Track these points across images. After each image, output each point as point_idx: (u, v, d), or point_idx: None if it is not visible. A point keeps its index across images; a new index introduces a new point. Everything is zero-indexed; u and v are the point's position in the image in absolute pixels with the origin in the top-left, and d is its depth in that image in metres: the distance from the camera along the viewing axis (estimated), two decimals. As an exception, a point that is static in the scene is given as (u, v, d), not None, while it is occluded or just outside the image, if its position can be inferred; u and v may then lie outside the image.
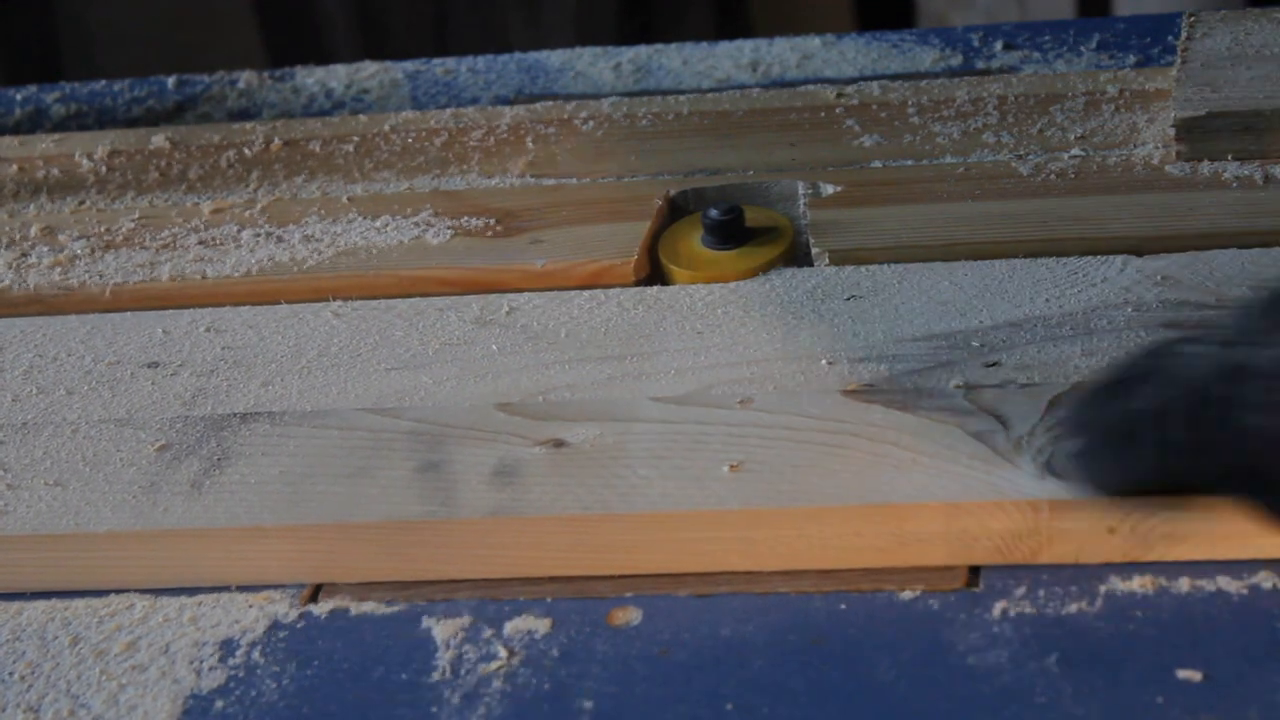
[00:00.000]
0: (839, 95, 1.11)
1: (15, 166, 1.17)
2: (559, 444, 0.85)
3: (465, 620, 0.80)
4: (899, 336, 0.90)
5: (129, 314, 1.01)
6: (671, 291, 0.96)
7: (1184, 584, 0.77)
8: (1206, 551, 0.78)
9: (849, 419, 0.84)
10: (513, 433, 0.86)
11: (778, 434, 0.84)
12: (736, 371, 0.89)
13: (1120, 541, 0.78)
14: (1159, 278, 0.91)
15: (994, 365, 0.86)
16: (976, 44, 1.19)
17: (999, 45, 1.19)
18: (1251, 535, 0.76)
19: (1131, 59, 1.15)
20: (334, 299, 1.00)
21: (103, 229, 1.08)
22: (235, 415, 0.90)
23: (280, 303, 1.00)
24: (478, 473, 0.84)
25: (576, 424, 0.86)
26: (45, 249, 1.07)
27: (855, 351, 0.89)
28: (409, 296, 0.99)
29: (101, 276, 1.04)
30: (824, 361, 0.88)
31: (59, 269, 1.05)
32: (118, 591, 0.84)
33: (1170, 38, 1.16)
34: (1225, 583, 0.76)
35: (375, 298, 0.99)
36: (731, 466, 0.82)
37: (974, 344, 0.88)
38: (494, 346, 0.93)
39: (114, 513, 0.85)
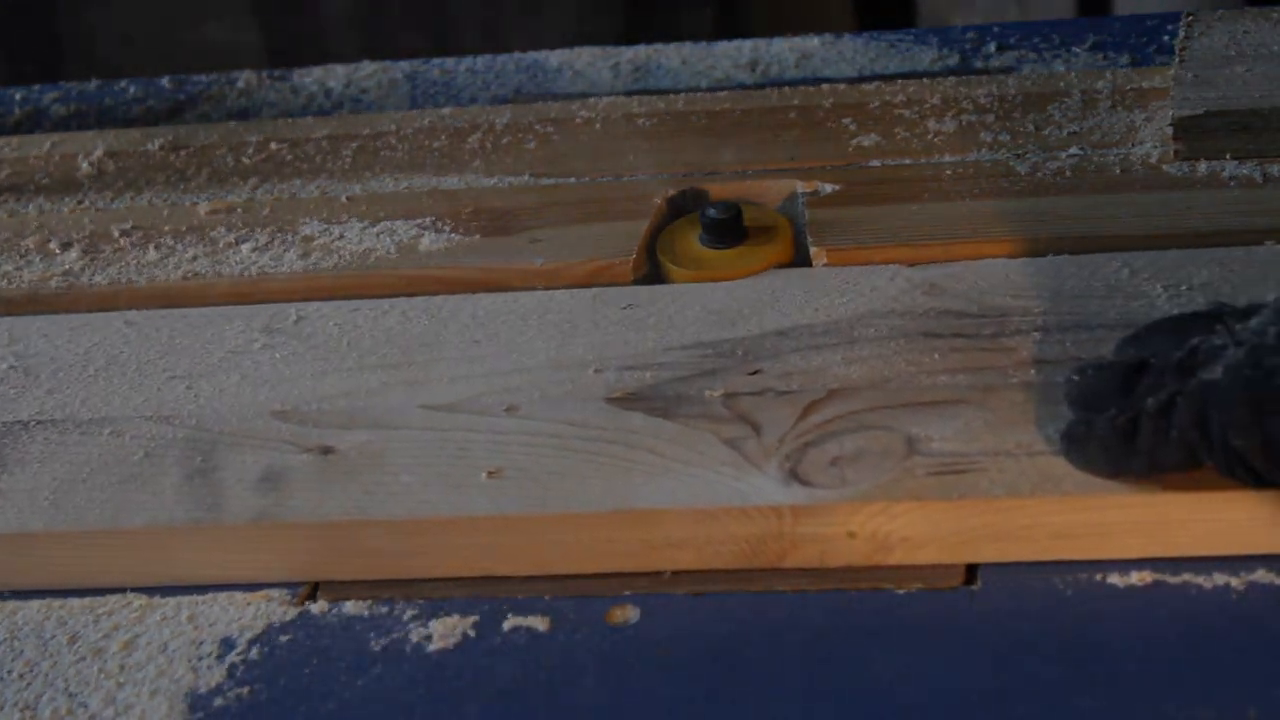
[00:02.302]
0: (837, 95, 1.11)
1: (14, 166, 1.17)
2: (327, 450, 0.87)
3: (463, 619, 0.80)
4: (668, 345, 0.91)
5: None
6: (455, 301, 0.98)
7: (1182, 579, 0.77)
8: (946, 556, 0.80)
9: (609, 426, 0.86)
10: (285, 440, 0.88)
11: (540, 441, 0.86)
12: (507, 380, 0.90)
13: (861, 545, 0.80)
14: (927, 286, 0.93)
15: (756, 373, 0.88)
16: (974, 44, 1.19)
17: (996, 45, 1.19)
18: (979, 542, 0.79)
19: (1129, 58, 1.15)
20: (333, 299, 1.00)
21: (102, 229, 1.08)
22: (18, 423, 0.92)
23: (279, 302, 1.00)
24: (245, 479, 0.86)
25: (346, 431, 0.88)
26: (44, 249, 1.07)
27: (624, 360, 0.90)
28: (408, 296, 0.99)
29: (100, 277, 1.04)
30: (593, 370, 0.90)
31: (56, 269, 1.05)
32: (114, 590, 0.85)
33: (1167, 37, 1.16)
34: (1222, 579, 0.76)
35: (374, 297, 0.99)
36: (490, 473, 0.84)
37: (739, 352, 0.90)
38: (277, 355, 0.95)
39: None
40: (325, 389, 0.92)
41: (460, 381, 0.91)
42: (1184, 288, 0.90)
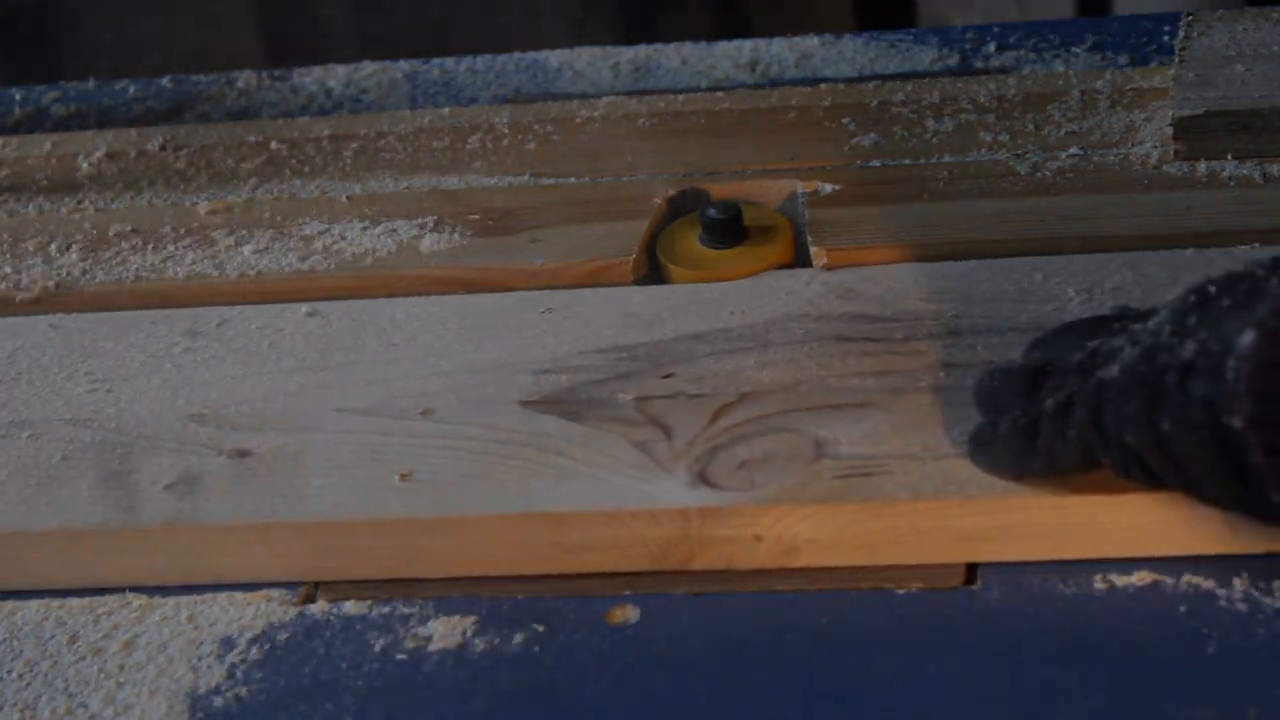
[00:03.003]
0: (837, 95, 1.11)
1: (14, 167, 1.17)
2: (243, 454, 0.88)
3: (463, 619, 0.80)
4: (584, 349, 0.92)
5: None
6: (375, 305, 0.98)
7: (1182, 581, 0.77)
8: (853, 558, 0.80)
9: (522, 429, 0.86)
10: (201, 443, 0.89)
11: (453, 444, 0.86)
12: (424, 383, 0.91)
13: (768, 548, 0.80)
14: (842, 290, 0.93)
15: (669, 377, 0.89)
16: (974, 44, 1.19)
17: (996, 45, 1.19)
18: (884, 544, 0.80)
19: (1128, 58, 1.15)
20: (332, 299, 1.00)
21: (102, 229, 1.08)
22: None
23: (280, 303, 1.00)
24: (161, 481, 0.87)
25: (262, 434, 0.89)
26: (43, 250, 1.07)
27: (541, 363, 0.91)
28: (408, 296, 0.99)
29: (99, 277, 1.04)
30: (509, 373, 0.91)
31: (56, 270, 1.05)
32: (113, 590, 0.85)
33: (1166, 37, 1.16)
34: (1222, 579, 0.76)
35: (374, 297, 0.99)
36: (402, 476, 0.84)
37: (654, 356, 0.90)
38: (198, 358, 0.96)
39: None
40: (244, 392, 0.92)
41: (377, 385, 0.91)
42: (1096, 291, 0.90)
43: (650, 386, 0.88)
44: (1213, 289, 0.73)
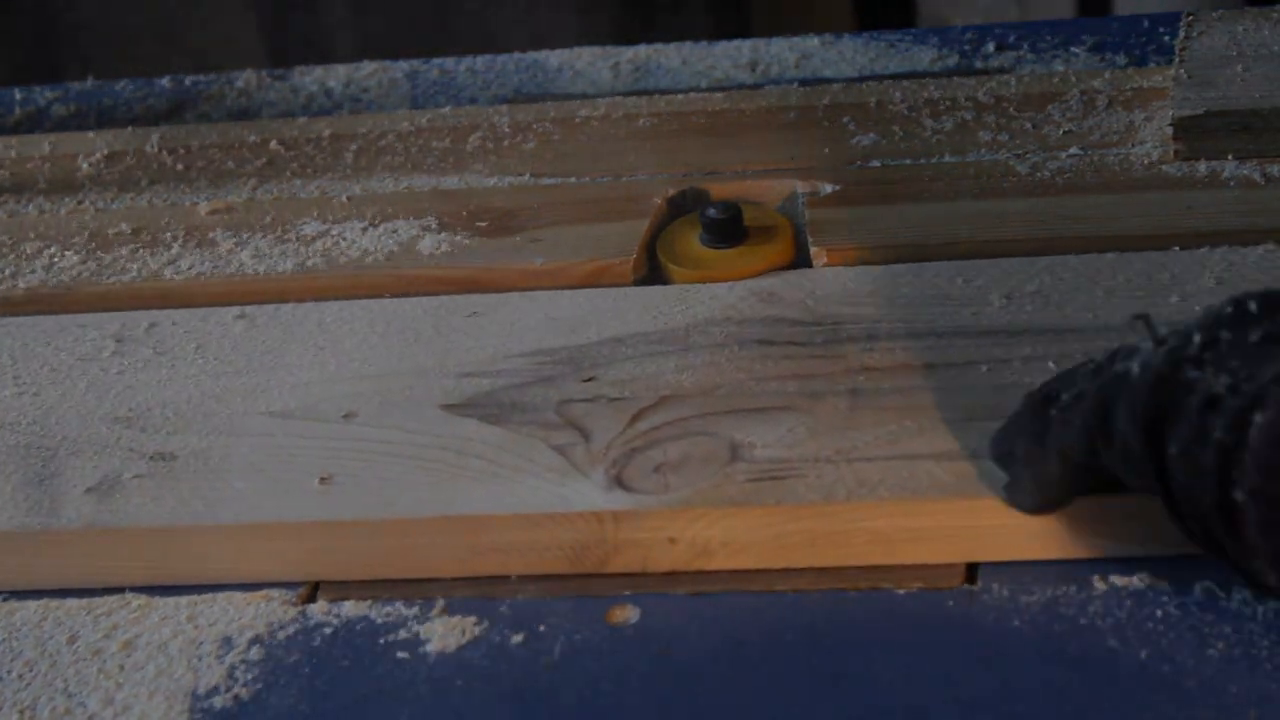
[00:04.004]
0: (837, 94, 1.11)
1: (14, 167, 1.17)
2: (165, 457, 0.88)
3: (463, 619, 0.80)
4: (508, 352, 0.92)
5: None
6: (304, 309, 0.98)
7: (1181, 581, 0.77)
8: (765, 561, 0.80)
9: (443, 433, 0.87)
10: (124, 446, 0.89)
11: (373, 447, 0.87)
12: (347, 387, 0.91)
13: (683, 551, 0.81)
14: (765, 294, 0.94)
15: (590, 380, 0.89)
16: (973, 44, 1.19)
17: (995, 45, 1.19)
18: (800, 547, 0.80)
19: (1128, 58, 1.15)
20: (331, 299, 1.00)
21: (101, 229, 1.08)
22: None
23: (280, 303, 1.00)
24: (82, 485, 0.87)
25: (185, 437, 0.89)
26: (43, 250, 1.07)
27: (465, 367, 0.91)
28: (407, 296, 0.99)
29: (99, 277, 1.04)
30: (433, 377, 0.91)
31: (56, 270, 1.05)
32: (113, 590, 0.85)
33: (1166, 37, 1.15)
34: (1222, 579, 0.76)
35: (373, 297, 0.99)
36: (321, 479, 0.85)
37: (577, 359, 0.91)
38: (126, 361, 0.96)
39: None
40: (169, 396, 0.93)
41: (301, 388, 0.92)
42: (1016, 295, 0.91)
43: (571, 390, 0.89)
44: (1253, 306, 0.71)
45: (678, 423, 0.85)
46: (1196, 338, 0.71)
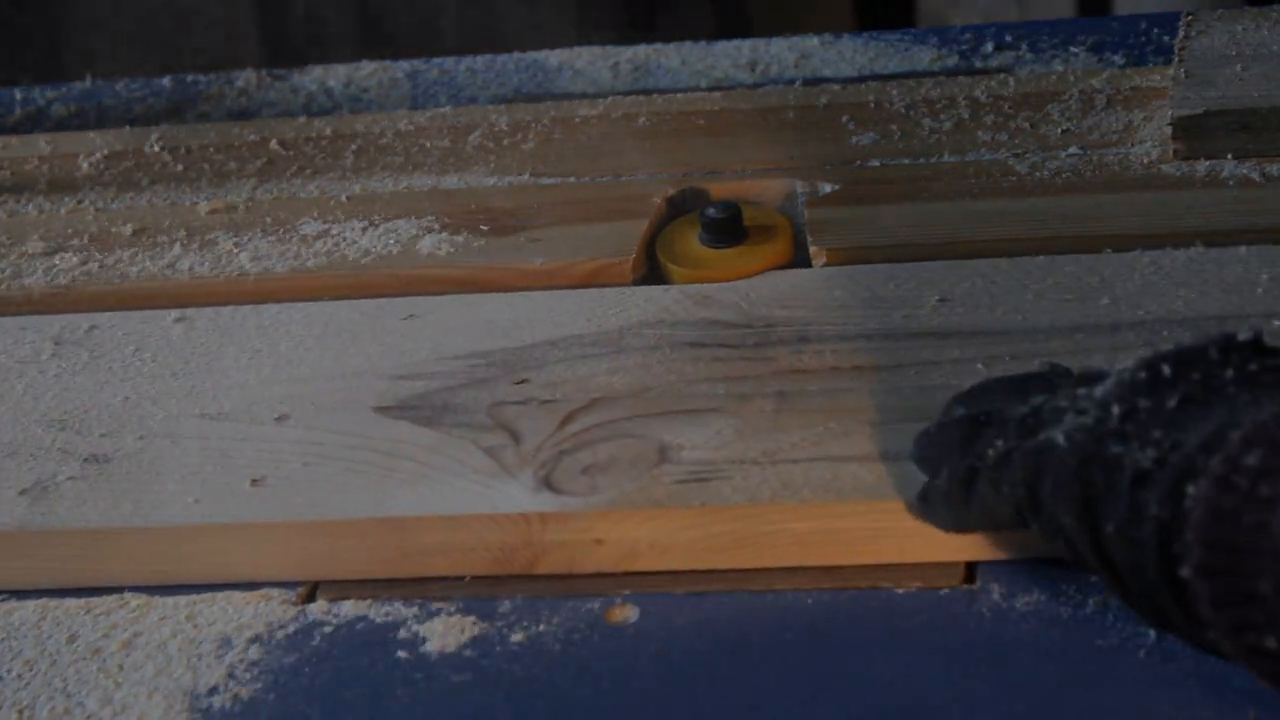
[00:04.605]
0: (836, 94, 1.11)
1: (14, 166, 1.17)
2: (98, 459, 0.88)
3: (463, 619, 0.80)
4: (442, 355, 0.92)
5: None
6: (242, 311, 0.99)
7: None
8: (690, 563, 0.81)
9: (375, 435, 0.87)
10: (59, 448, 0.89)
11: (305, 449, 0.87)
12: (282, 389, 0.91)
13: (610, 552, 0.81)
14: (699, 296, 0.94)
15: (522, 382, 0.89)
16: (972, 43, 1.19)
17: (994, 45, 1.19)
18: (727, 549, 0.80)
19: (1127, 58, 1.15)
20: (331, 299, 1.00)
21: (101, 229, 1.08)
22: None
23: (280, 303, 1.00)
24: (15, 487, 0.87)
25: (120, 439, 0.89)
26: (43, 250, 1.07)
27: (399, 369, 0.92)
28: (406, 296, 0.99)
29: (99, 277, 1.04)
30: (367, 379, 0.91)
31: (56, 270, 1.05)
32: (112, 590, 0.85)
33: (1165, 37, 1.16)
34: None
35: (372, 297, 0.99)
36: (253, 481, 0.85)
37: (510, 362, 0.91)
38: (63, 364, 0.96)
39: None
40: (105, 398, 0.93)
41: (235, 391, 0.92)
42: (946, 298, 0.91)
43: (503, 392, 0.89)
44: (1166, 369, 0.71)
45: (607, 424, 0.86)
46: (1115, 409, 0.71)
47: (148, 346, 0.97)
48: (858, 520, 0.79)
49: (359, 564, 0.83)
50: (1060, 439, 0.71)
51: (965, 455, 0.76)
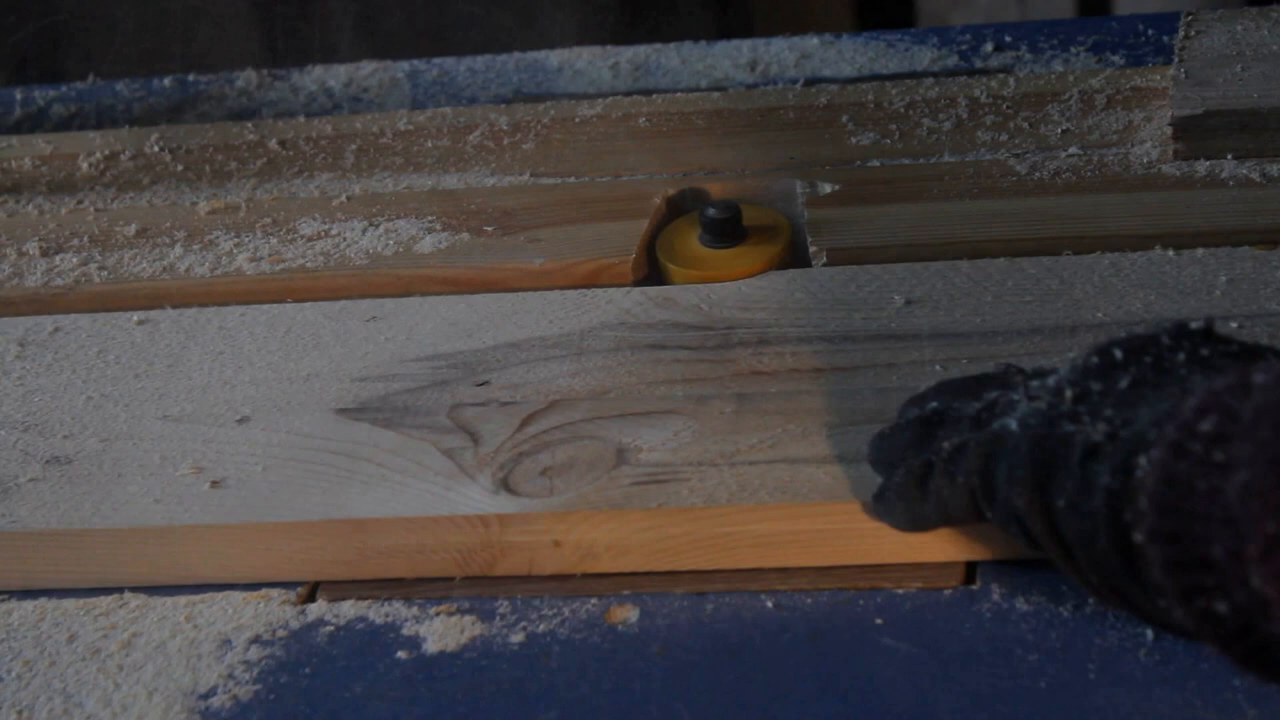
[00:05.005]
0: (836, 94, 1.11)
1: (14, 166, 1.17)
2: (60, 461, 0.88)
3: (462, 619, 0.81)
4: (404, 357, 0.93)
5: None
6: (206, 314, 0.99)
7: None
8: (651, 564, 0.81)
9: (335, 437, 0.87)
10: (21, 450, 0.90)
11: (265, 451, 0.87)
12: (243, 391, 0.92)
13: (568, 553, 0.81)
14: (661, 299, 0.94)
15: (484, 384, 0.90)
16: (972, 44, 1.19)
17: (994, 45, 1.19)
18: (687, 550, 0.81)
19: (1127, 58, 1.15)
20: (331, 299, 1.00)
21: (101, 229, 1.08)
22: None
23: (280, 303, 1.00)
24: None
25: (81, 441, 0.90)
26: (43, 250, 1.07)
27: (360, 371, 0.92)
28: (406, 296, 0.99)
29: (99, 277, 1.04)
30: (328, 381, 0.91)
31: (56, 270, 1.05)
32: (111, 589, 0.85)
33: (1165, 37, 1.16)
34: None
35: (373, 297, 0.99)
36: (213, 483, 0.85)
37: (471, 364, 0.91)
38: (27, 365, 0.96)
39: None
40: (67, 400, 0.93)
41: (197, 393, 0.92)
42: (907, 300, 0.91)
43: (464, 394, 0.89)
44: (1118, 353, 0.71)
45: (566, 426, 0.86)
46: (1068, 393, 0.71)
47: (111, 348, 0.97)
48: (815, 522, 0.80)
49: (319, 565, 0.83)
50: (1013, 425, 0.72)
51: (920, 453, 0.76)
